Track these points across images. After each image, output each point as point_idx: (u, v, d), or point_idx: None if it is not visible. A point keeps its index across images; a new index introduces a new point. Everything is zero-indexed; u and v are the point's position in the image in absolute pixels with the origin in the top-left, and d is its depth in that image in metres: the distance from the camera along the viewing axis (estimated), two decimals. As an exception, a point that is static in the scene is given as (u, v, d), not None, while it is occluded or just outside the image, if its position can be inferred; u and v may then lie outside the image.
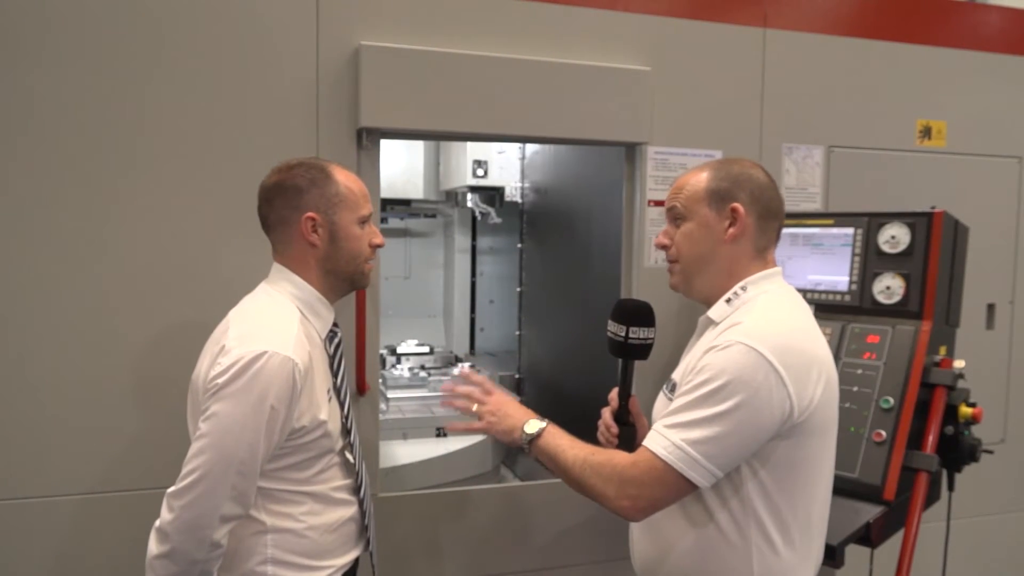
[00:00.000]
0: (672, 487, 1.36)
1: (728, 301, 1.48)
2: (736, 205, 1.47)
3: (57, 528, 1.90)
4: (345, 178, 1.57)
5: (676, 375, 1.53)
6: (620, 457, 1.43)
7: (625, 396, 1.71)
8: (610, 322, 1.67)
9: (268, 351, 1.39)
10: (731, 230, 1.48)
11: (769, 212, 1.50)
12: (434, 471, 2.58)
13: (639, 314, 1.65)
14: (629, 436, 1.71)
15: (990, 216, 2.68)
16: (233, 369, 1.37)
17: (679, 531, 1.48)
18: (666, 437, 1.36)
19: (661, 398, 1.57)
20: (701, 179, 1.52)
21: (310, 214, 1.52)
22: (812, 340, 1.42)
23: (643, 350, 1.66)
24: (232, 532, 1.43)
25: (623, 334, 1.64)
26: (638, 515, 1.42)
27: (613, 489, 1.39)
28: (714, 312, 1.50)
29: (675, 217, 1.55)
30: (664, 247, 1.58)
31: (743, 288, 1.48)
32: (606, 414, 1.74)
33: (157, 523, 1.38)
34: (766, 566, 1.42)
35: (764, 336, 1.35)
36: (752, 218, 1.48)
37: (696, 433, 1.34)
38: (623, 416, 1.71)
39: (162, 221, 1.93)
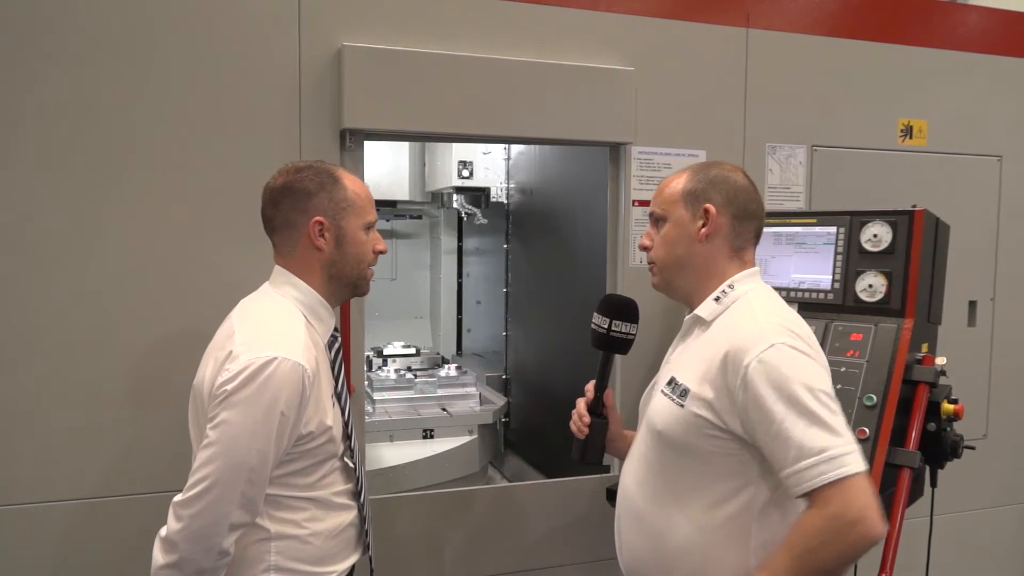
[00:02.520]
0: (865, 481, 1.29)
1: (717, 300, 1.50)
2: (708, 205, 1.50)
3: (53, 534, 1.88)
4: (353, 183, 1.56)
5: (684, 379, 1.47)
6: (810, 520, 1.30)
7: (601, 388, 1.73)
8: (595, 314, 1.70)
9: (278, 357, 1.37)
10: (703, 230, 1.50)
11: (745, 213, 1.52)
12: (421, 473, 2.58)
13: (623, 309, 1.68)
14: (600, 428, 1.73)
15: (971, 214, 2.71)
16: (243, 375, 1.35)
17: (679, 531, 1.46)
18: (816, 465, 1.29)
19: (661, 398, 1.51)
20: (679, 181, 1.56)
21: (318, 218, 1.50)
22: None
23: (624, 344, 1.69)
24: (236, 540, 1.41)
25: (606, 326, 1.67)
26: (880, 524, 1.29)
27: (844, 538, 1.27)
28: (703, 311, 1.51)
29: (656, 220, 1.59)
30: (646, 248, 1.60)
31: (730, 287, 1.50)
32: (580, 404, 1.76)
33: (163, 532, 1.35)
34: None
35: (788, 331, 1.39)
36: (726, 218, 1.51)
37: (826, 439, 1.29)
38: (597, 407, 1.73)
39: (149, 224, 1.91)
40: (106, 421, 1.90)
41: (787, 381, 1.32)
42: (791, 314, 1.47)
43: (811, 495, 1.30)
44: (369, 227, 1.58)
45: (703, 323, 1.51)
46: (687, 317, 1.57)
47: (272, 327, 1.45)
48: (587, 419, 1.72)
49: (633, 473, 1.58)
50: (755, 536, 1.42)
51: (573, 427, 1.74)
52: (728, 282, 1.51)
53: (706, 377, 1.42)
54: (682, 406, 1.44)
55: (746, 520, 1.42)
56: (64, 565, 1.90)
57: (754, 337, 1.37)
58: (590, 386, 1.75)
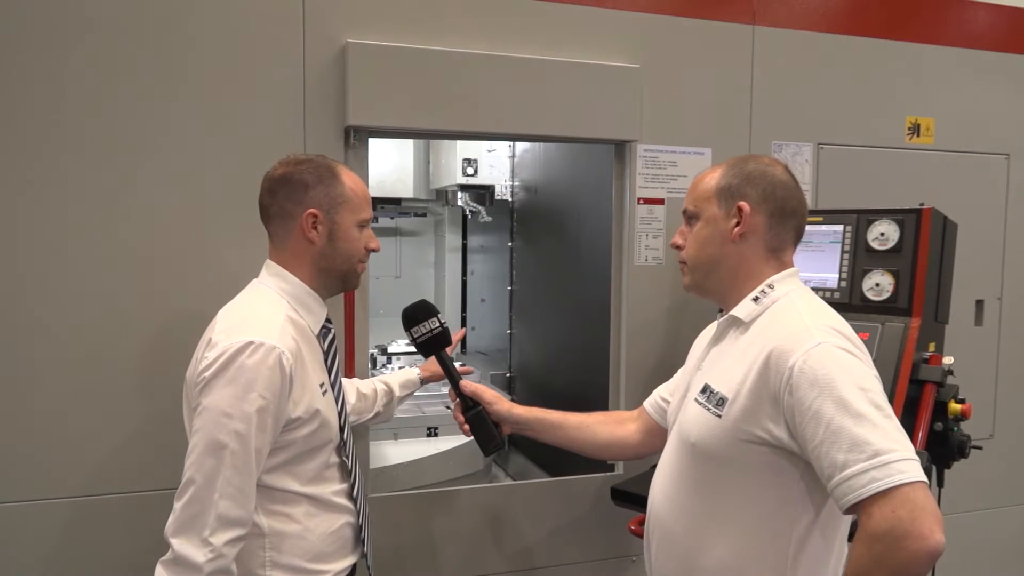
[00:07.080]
0: (921, 492, 1.16)
1: (756, 300, 1.43)
2: (742, 203, 1.43)
3: (47, 532, 1.88)
4: (351, 180, 1.58)
5: (720, 386, 1.39)
6: (859, 541, 1.18)
7: (455, 385, 1.78)
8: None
9: (254, 341, 1.38)
10: (736, 229, 1.43)
11: (784, 211, 1.44)
12: (425, 471, 2.57)
13: (414, 315, 1.77)
14: (480, 418, 1.76)
15: (978, 212, 2.69)
16: (219, 361, 1.37)
17: (713, 554, 1.39)
18: (867, 471, 1.17)
19: (695, 408, 1.43)
20: (713, 177, 1.48)
21: (312, 210, 1.52)
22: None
23: (436, 340, 1.78)
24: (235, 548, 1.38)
25: (413, 337, 1.77)
26: (936, 537, 1.14)
27: (895, 557, 1.14)
28: (740, 311, 1.43)
29: (689, 217, 1.52)
30: (678, 247, 1.54)
31: (770, 286, 1.43)
32: (456, 411, 1.80)
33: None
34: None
35: (834, 331, 1.31)
36: (762, 216, 1.43)
37: (879, 443, 1.18)
38: (467, 404, 1.78)
39: (151, 219, 1.91)
40: (101, 417, 1.89)
41: (836, 382, 1.22)
42: (836, 315, 1.39)
43: (859, 508, 1.18)
44: (363, 224, 1.60)
45: (740, 325, 1.43)
46: (721, 320, 1.50)
47: (249, 314, 1.48)
48: (461, 419, 1.77)
49: (663, 488, 1.50)
50: (792, 564, 1.34)
51: (465, 436, 1.80)
52: (768, 282, 1.43)
53: (746, 383, 1.33)
54: (720, 416, 1.35)
55: (784, 544, 1.34)
56: (56, 565, 1.89)
57: (799, 337, 1.29)
58: (451, 391, 1.80)
